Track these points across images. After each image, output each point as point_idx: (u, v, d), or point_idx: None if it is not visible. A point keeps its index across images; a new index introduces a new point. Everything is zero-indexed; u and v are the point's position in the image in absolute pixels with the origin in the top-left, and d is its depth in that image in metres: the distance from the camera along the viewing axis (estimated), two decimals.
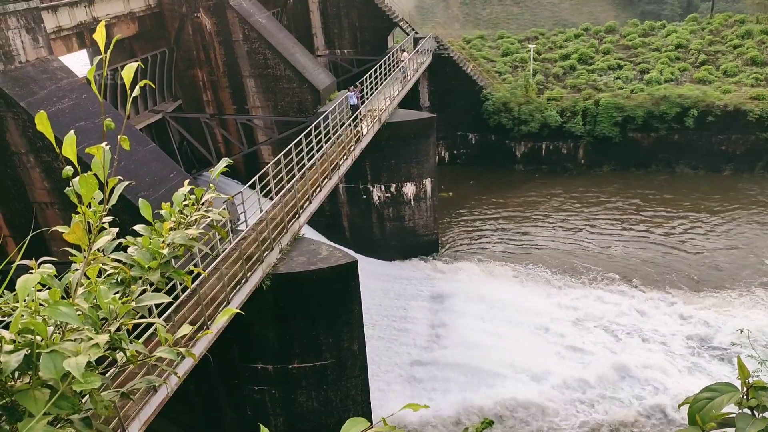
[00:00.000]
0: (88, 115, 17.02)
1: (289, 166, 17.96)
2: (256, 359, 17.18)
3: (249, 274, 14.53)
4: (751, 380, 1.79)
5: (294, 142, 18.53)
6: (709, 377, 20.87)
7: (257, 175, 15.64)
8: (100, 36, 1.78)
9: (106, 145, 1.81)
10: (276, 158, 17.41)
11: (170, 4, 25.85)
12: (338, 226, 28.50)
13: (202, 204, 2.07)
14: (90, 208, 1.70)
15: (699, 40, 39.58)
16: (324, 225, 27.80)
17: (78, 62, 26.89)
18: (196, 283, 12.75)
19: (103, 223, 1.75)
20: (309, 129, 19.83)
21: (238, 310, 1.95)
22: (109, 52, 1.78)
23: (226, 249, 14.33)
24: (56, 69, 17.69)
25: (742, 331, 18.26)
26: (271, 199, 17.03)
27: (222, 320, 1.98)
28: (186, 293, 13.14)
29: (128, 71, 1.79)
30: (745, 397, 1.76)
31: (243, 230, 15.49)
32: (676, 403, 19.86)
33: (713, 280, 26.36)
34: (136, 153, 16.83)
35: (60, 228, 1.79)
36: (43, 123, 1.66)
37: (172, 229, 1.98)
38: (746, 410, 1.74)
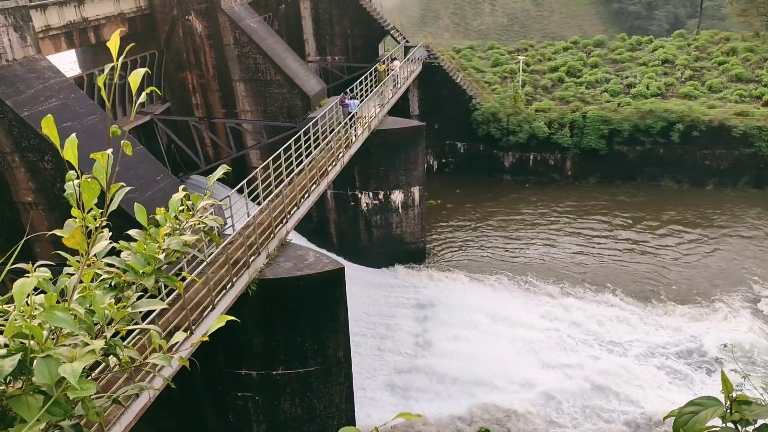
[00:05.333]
0: (75, 116, 16.89)
1: (278, 171, 17.93)
2: (241, 365, 17.05)
3: (235, 279, 14.45)
4: (734, 394, 1.82)
5: (283, 147, 18.51)
6: (694, 391, 21.05)
7: (245, 180, 15.59)
8: (113, 45, 1.79)
9: (111, 150, 1.82)
10: (264, 163, 17.38)
11: (161, 6, 25.76)
12: (326, 232, 28.46)
13: (197, 210, 2.08)
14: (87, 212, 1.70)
15: (685, 55, 40.18)
16: (311, 231, 27.75)
17: (63, 62, 26.67)
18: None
19: (102, 228, 1.76)
20: (298, 134, 19.82)
21: (232, 317, 1.95)
22: (120, 59, 1.79)
23: (212, 253, 14.26)
24: (44, 68, 17.54)
25: (726, 346, 18.48)
26: (259, 204, 16.98)
27: (215, 327, 1.96)
28: (170, 297, 13.03)
29: (135, 77, 1.80)
30: (728, 411, 1.79)
31: (230, 235, 15.42)
32: (659, 416, 20.00)
33: (697, 292, 26.64)
34: (123, 155, 16.70)
35: (59, 232, 1.78)
36: (49, 126, 1.66)
37: (167, 234, 1.98)
38: (730, 424, 1.77)
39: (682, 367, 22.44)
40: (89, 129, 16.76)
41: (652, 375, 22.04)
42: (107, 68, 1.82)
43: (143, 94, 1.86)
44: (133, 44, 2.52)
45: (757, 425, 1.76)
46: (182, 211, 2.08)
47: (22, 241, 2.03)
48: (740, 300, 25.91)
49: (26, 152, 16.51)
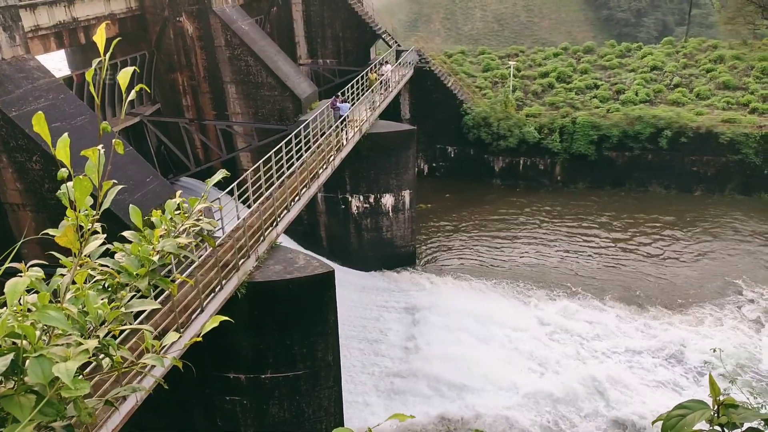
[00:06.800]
0: (64, 117, 16.77)
1: (268, 174, 17.89)
2: (229, 368, 16.96)
3: (224, 281, 14.38)
4: (721, 398, 1.84)
5: (274, 149, 18.48)
6: (682, 394, 21.20)
7: (236, 182, 15.54)
8: (100, 38, 1.78)
9: (102, 148, 1.82)
10: (255, 165, 17.33)
11: (152, 7, 25.67)
12: (316, 235, 28.40)
13: (193, 213, 2.07)
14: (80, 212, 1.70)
15: (674, 62, 40.58)
16: (301, 234, 27.69)
17: (52, 63, 26.49)
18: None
19: (94, 228, 1.75)
20: (289, 137, 19.80)
21: (225, 318, 1.95)
22: (108, 54, 1.78)
23: (202, 256, 14.19)
24: (33, 68, 17.42)
25: (714, 350, 18.61)
26: (249, 206, 16.92)
27: (209, 327, 1.96)
28: (160, 299, 12.94)
29: (124, 75, 1.80)
30: (716, 415, 1.81)
31: (219, 237, 15.35)
32: (647, 419, 20.12)
33: (684, 297, 26.85)
34: (114, 155, 16.60)
35: (52, 231, 1.78)
36: (40, 124, 1.66)
37: (161, 236, 1.98)
38: (717, 428, 1.79)
39: (671, 371, 22.61)
40: (78, 129, 16.65)
41: (641, 379, 22.17)
42: (95, 63, 1.81)
43: (132, 92, 1.86)
44: (119, 38, 2.51)
45: (743, 428, 1.79)
46: (178, 213, 2.08)
47: (18, 245, 2.01)
48: (728, 305, 26.14)
49: (14, 152, 16.36)
